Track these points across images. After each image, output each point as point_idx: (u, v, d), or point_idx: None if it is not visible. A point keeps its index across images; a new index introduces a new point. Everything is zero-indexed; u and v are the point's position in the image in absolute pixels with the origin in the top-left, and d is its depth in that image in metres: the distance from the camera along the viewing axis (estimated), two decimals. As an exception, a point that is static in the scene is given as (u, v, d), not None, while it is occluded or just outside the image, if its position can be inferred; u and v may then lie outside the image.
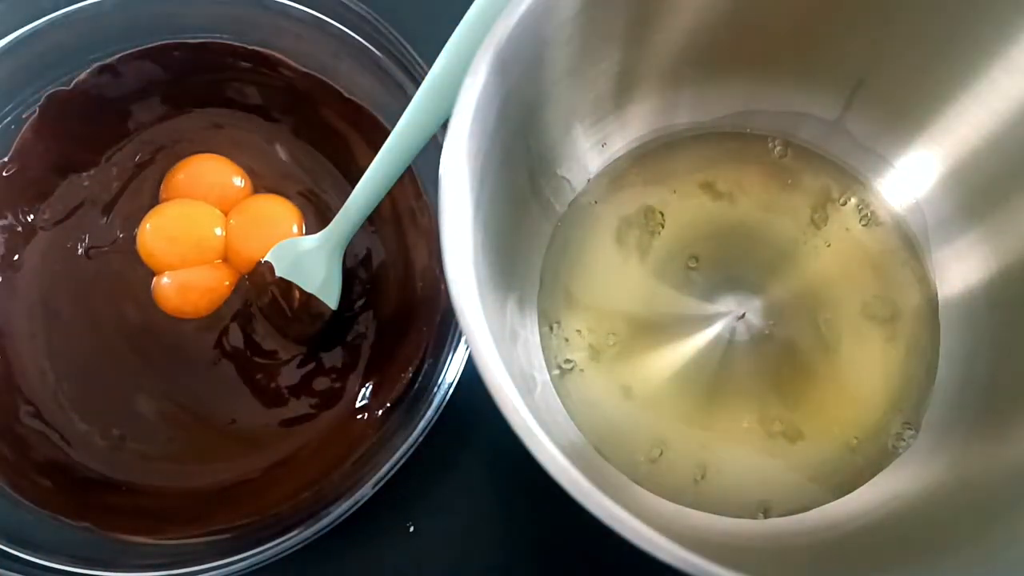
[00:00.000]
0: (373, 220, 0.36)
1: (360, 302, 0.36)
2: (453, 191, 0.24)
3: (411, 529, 0.34)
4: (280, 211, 0.37)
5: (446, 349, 0.33)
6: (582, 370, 0.33)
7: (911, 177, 0.35)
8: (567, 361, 0.33)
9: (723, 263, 0.35)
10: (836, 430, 0.32)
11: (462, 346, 0.33)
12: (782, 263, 0.35)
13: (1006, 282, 0.32)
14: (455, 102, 0.24)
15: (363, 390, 0.35)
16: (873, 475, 0.32)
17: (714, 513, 0.32)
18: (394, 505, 0.34)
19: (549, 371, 0.33)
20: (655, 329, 0.34)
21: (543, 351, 0.34)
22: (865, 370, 0.33)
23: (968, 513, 0.28)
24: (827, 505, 0.32)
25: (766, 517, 0.31)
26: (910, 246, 0.35)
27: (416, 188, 0.35)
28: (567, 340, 0.34)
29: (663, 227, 0.35)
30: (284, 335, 0.35)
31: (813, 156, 0.36)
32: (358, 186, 0.32)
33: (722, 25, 0.32)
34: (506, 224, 0.31)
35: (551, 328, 0.34)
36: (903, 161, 0.35)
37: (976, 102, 0.31)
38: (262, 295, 0.35)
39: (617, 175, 0.36)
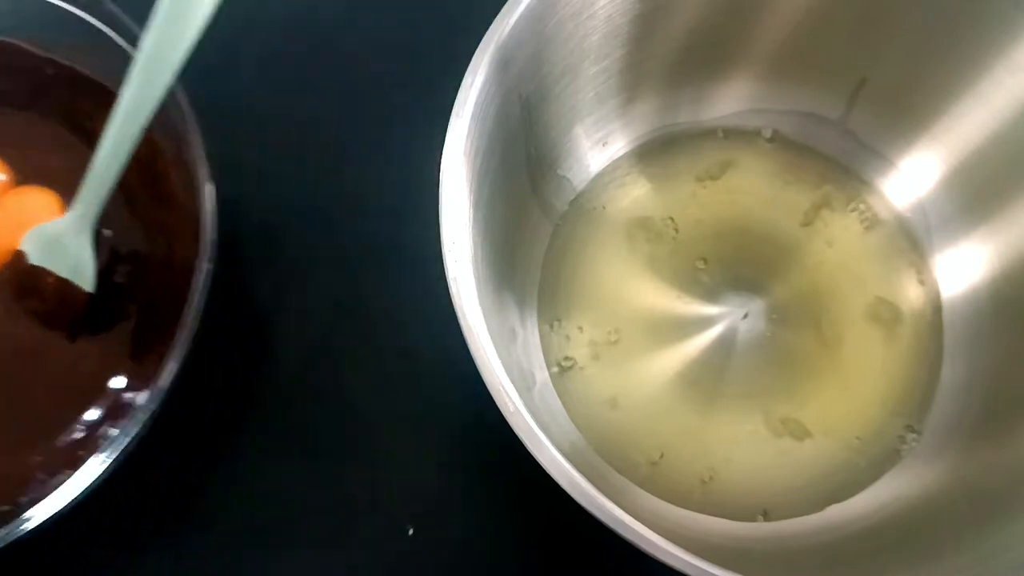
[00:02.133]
0: (128, 198, 0.34)
1: (121, 283, 0.34)
2: (453, 191, 0.24)
3: (410, 532, 0.34)
4: (39, 200, 0.35)
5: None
6: (582, 368, 0.33)
7: (914, 177, 0.35)
8: (567, 359, 0.33)
9: (726, 263, 0.34)
10: (841, 431, 0.32)
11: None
12: (785, 263, 0.34)
13: (1010, 282, 0.32)
14: (173, 69, 0.26)
15: (124, 376, 0.33)
16: (877, 478, 0.32)
17: (715, 516, 0.31)
18: (392, 507, 0.34)
19: (548, 369, 0.33)
20: (657, 328, 0.34)
21: (543, 349, 0.33)
22: (868, 371, 0.33)
23: (969, 515, 0.28)
24: (828, 508, 0.31)
25: (766, 520, 0.31)
26: (913, 246, 0.35)
27: (165, 162, 0.34)
28: (568, 338, 0.34)
29: (665, 226, 0.35)
30: (44, 323, 0.34)
31: (816, 155, 0.36)
32: (93, 161, 0.31)
33: (723, 24, 0.32)
34: (506, 223, 0.30)
35: (551, 326, 0.34)
36: (906, 161, 0.35)
37: (979, 101, 0.31)
38: (18, 284, 0.33)
39: (618, 174, 0.36)
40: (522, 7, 0.25)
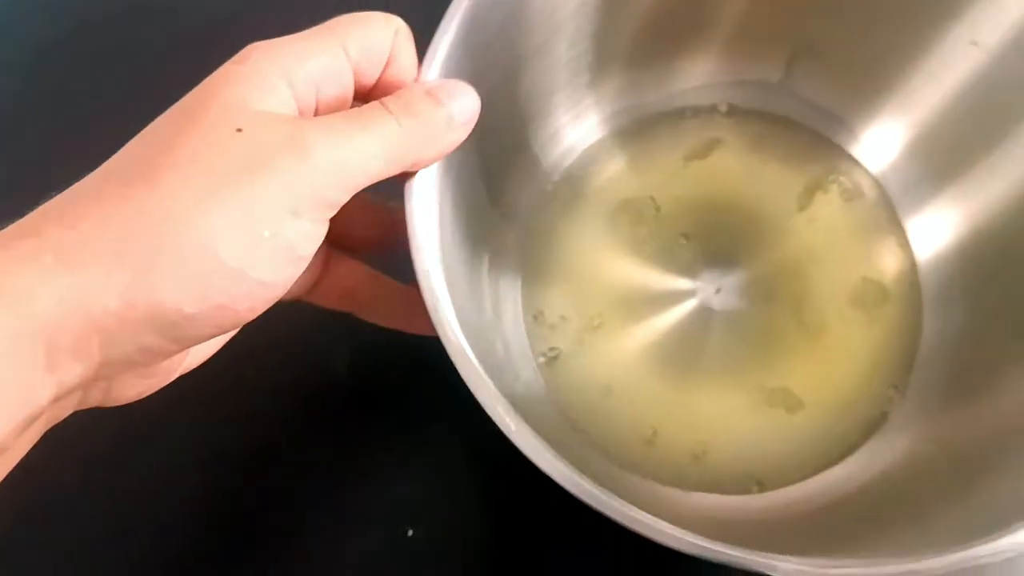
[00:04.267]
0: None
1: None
2: (420, 181, 0.23)
3: (409, 534, 0.33)
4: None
5: None
6: (569, 356, 0.33)
7: (880, 145, 0.35)
8: (552, 349, 0.33)
9: (708, 240, 0.34)
10: (828, 397, 0.32)
11: None
12: (765, 236, 0.34)
13: (979, 244, 0.32)
14: None
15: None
16: (865, 440, 0.32)
17: (710, 491, 0.31)
18: (392, 509, 0.33)
19: (535, 359, 0.33)
20: (641, 309, 0.34)
21: (529, 340, 0.33)
22: (852, 337, 0.33)
23: (954, 473, 0.28)
24: (820, 473, 0.31)
25: (760, 491, 0.31)
26: (887, 213, 0.35)
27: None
28: (552, 327, 0.34)
29: (645, 206, 0.35)
30: None
31: (790, 130, 0.36)
32: None
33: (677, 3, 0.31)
34: (476, 219, 0.30)
35: (535, 317, 0.34)
36: (871, 129, 0.35)
37: (937, 64, 0.31)
38: None
39: (595, 158, 0.36)
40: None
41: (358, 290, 0.27)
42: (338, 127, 0.19)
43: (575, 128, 0.35)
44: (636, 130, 0.36)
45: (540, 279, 0.34)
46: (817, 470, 0.32)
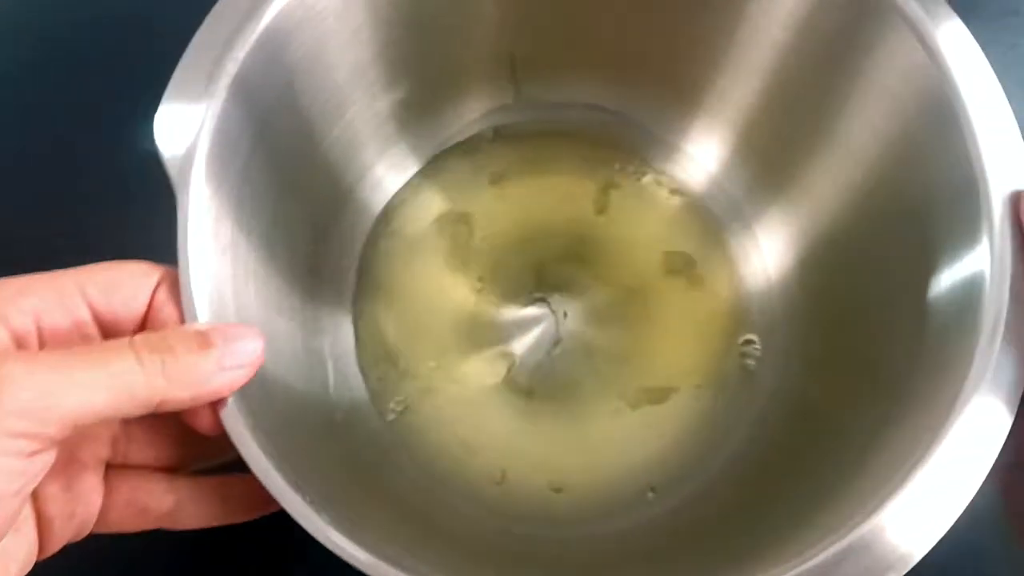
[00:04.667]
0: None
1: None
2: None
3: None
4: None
5: None
6: (416, 408, 0.31)
7: (701, 153, 0.34)
8: (398, 402, 0.31)
9: (529, 265, 0.33)
10: (687, 383, 0.32)
11: None
12: (586, 250, 0.34)
13: (811, 238, 0.31)
14: None
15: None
16: (740, 407, 0.31)
17: (601, 510, 0.30)
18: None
19: (384, 418, 0.31)
20: (481, 345, 0.32)
21: (372, 400, 0.31)
22: (679, 306, 0.33)
23: (814, 432, 0.27)
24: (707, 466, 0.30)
25: (656, 495, 0.30)
26: (684, 199, 0.34)
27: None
28: (393, 382, 0.32)
29: (468, 238, 0.34)
30: None
31: (597, 143, 0.35)
32: None
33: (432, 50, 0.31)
34: (299, 285, 0.29)
35: (376, 372, 0.32)
36: (689, 139, 0.34)
37: (732, 67, 0.30)
38: None
39: (424, 198, 0.34)
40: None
41: (153, 505, 0.24)
42: (48, 360, 0.18)
43: (395, 176, 0.34)
44: (446, 168, 0.35)
45: (382, 328, 0.32)
46: (705, 454, 0.30)
